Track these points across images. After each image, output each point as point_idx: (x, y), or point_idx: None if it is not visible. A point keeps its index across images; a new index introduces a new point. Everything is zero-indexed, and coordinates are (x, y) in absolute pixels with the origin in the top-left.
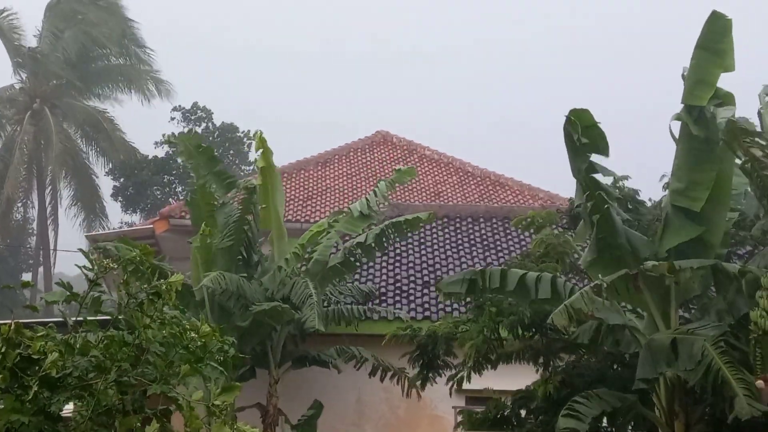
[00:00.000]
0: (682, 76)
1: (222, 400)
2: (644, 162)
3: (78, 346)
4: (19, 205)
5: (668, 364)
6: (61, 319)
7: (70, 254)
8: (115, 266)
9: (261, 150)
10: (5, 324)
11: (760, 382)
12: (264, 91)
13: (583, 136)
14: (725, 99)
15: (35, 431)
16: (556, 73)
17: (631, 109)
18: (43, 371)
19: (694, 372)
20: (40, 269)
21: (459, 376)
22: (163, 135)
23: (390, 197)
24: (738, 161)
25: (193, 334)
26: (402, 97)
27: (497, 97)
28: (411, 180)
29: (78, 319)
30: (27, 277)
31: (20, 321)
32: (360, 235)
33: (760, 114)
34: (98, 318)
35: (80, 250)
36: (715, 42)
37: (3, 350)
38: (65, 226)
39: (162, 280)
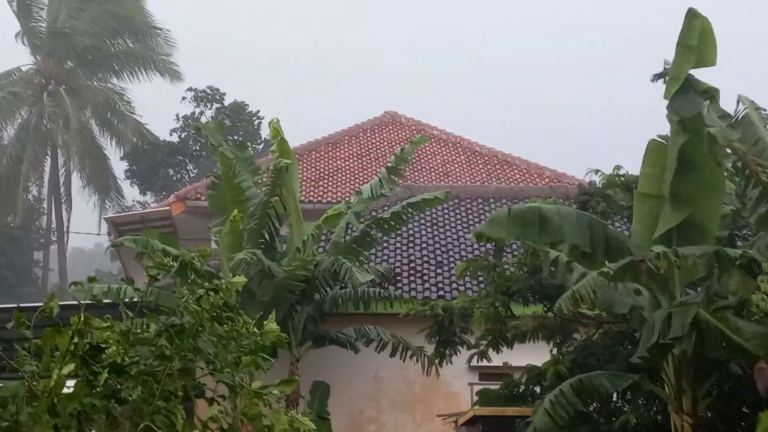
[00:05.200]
0: (662, 73)
1: (280, 390)
2: None
3: (135, 337)
4: (31, 184)
5: (662, 337)
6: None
7: (82, 234)
8: (175, 265)
9: (278, 138)
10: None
11: (762, 363)
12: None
13: None
14: (709, 93)
15: (103, 413)
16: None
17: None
18: (110, 360)
19: (681, 339)
20: (52, 248)
21: (479, 351)
22: (191, 122)
23: (404, 172)
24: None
25: (252, 328)
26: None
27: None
28: (420, 159)
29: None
30: (39, 255)
31: (82, 303)
32: (378, 213)
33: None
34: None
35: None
36: (690, 39)
37: (75, 340)
38: (78, 205)
39: (222, 280)
